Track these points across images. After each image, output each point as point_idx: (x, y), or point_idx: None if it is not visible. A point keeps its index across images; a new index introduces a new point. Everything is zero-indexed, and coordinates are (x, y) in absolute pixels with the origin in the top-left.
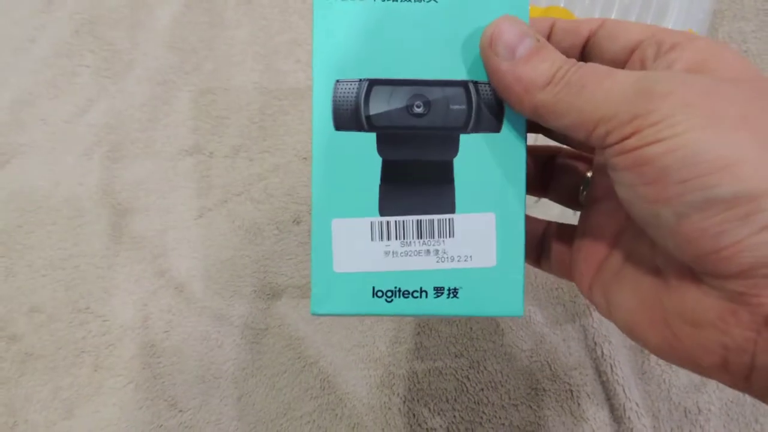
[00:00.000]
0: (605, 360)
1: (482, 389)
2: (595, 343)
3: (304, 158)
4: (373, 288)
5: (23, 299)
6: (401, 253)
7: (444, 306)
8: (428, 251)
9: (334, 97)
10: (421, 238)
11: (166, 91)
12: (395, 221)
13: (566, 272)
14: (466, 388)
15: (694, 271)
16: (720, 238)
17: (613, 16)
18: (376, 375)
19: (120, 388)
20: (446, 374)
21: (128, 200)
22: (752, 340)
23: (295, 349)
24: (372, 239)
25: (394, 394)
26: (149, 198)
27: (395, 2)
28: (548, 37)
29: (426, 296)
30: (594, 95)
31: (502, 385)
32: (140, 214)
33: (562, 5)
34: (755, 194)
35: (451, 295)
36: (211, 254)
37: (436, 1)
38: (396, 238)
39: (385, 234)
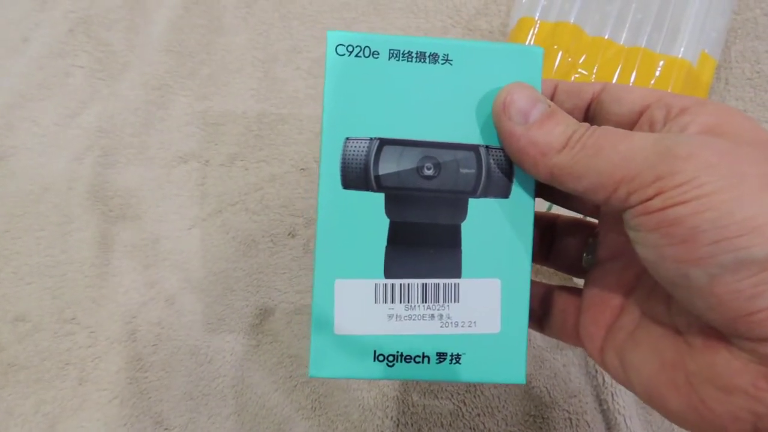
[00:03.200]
0: (606, 388)
1: (478, 414)
2: (596, 370)
3: (302, 169)
4: (375, 352)
5: (8, 307)
6: (405, 316)
7: (446, 372)
8: (432, 316)
9: (344, 154)
10: (425, 302)
11: (162, 95)
12: (400, 284)
13: (571, 336)
14: (462, 412)
15: (722, 332)
16: (755, 300)
17: (624, 34)
18: (369, 397)
19: (105, 403)
20: (441, 398)
21: (119, 207)
22: None
23: (287, 368)
24: (376, 302)
25: (387, 417)
26: (141, 206)
27: (410, 63)
28: (551, 99)
29: (428, 362)
30: (612, 157)
31: (499, 411)
32: (131, 222)
33: (572, 21)
34: None
35: (454, 361)
36: (204, 266)
37: (451, 64)
38: (400, 302)
39: (389, 297)
